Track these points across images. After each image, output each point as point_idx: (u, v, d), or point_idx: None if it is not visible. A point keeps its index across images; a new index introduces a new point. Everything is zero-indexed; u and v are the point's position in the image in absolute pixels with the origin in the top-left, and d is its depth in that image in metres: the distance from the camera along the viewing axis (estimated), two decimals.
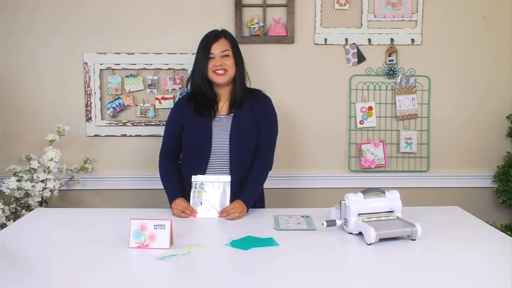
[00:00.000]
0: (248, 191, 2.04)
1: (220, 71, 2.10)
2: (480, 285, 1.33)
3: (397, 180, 2.80)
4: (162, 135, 2.26)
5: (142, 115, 2.76)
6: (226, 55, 2.11)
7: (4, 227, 2.23)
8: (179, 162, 2.23)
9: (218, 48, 2.10)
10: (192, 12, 2.73)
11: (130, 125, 2.78)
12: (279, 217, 1.92)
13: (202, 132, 2.10)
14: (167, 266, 1.45)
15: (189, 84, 2.23)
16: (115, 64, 2.73)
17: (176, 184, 2.11)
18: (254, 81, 2.34)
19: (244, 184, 2.07)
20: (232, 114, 2.13)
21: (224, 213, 1.94)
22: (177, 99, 2.70)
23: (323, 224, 1.70)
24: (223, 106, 2.17)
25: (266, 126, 2.16)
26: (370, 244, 1.60)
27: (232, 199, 2.01)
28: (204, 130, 2.10)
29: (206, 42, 2.12)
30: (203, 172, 2.08)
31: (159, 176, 2.17)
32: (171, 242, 1.59)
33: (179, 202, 1.99)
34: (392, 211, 1.74)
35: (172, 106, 2.74)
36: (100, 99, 2.76)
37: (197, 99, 2.16)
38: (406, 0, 2.73)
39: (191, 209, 1.96)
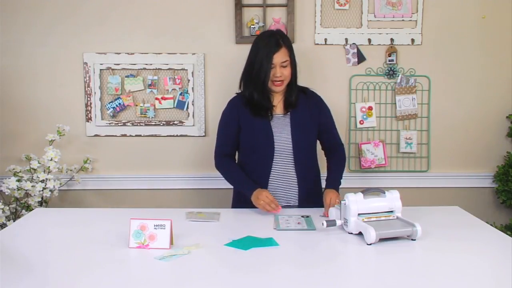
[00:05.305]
0: (334, 177, 2.13)
1: (279, 82, 2.09)
2: (480, 285, 1.33)
3: (397, 180, 2.80)
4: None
5: (142, 115, 2.76)
6: (285, 66, 2.09)
7: (4, 227, 2.23)
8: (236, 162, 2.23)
9: (280, 58, 2.06)
10: (192, 12, 2.73)
11: (130, 125, 2.78)
12: (279, 217, 1.92)
13: (263, 132, 2.10)
14: (167, 266, 1.45)
15: (241, 85, 2.17)
16: (115, 64, 2.73)
17: (247, 176, 2.10)
18: None
19: (309, 180, 2.14)
20: (288, 113, 2.14)
21: (328, 207, 1.93)
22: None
23: (323, 224, 1.70)
24: (278, 105, 2.16)
25: (330, 124, 2.24)
26: (370, 244, 1.60)
27: (300, 196, 2.10)
28: (264, 130, 2.10)
29: (268, 51, 2.05)
30: (268, 171, 2.09)
31: (221, 175, 2.17)
32: (171, 242, 1.59)
33: (266, 194, 1.98)
34: (392, 211, 1.74)
35: (172, 106, 2.76)
36: (100, 99, 2.76)
37: (252, 103, 2.13)
38: (406, 0, 2.73)
39: (277, 203, 1.96)
